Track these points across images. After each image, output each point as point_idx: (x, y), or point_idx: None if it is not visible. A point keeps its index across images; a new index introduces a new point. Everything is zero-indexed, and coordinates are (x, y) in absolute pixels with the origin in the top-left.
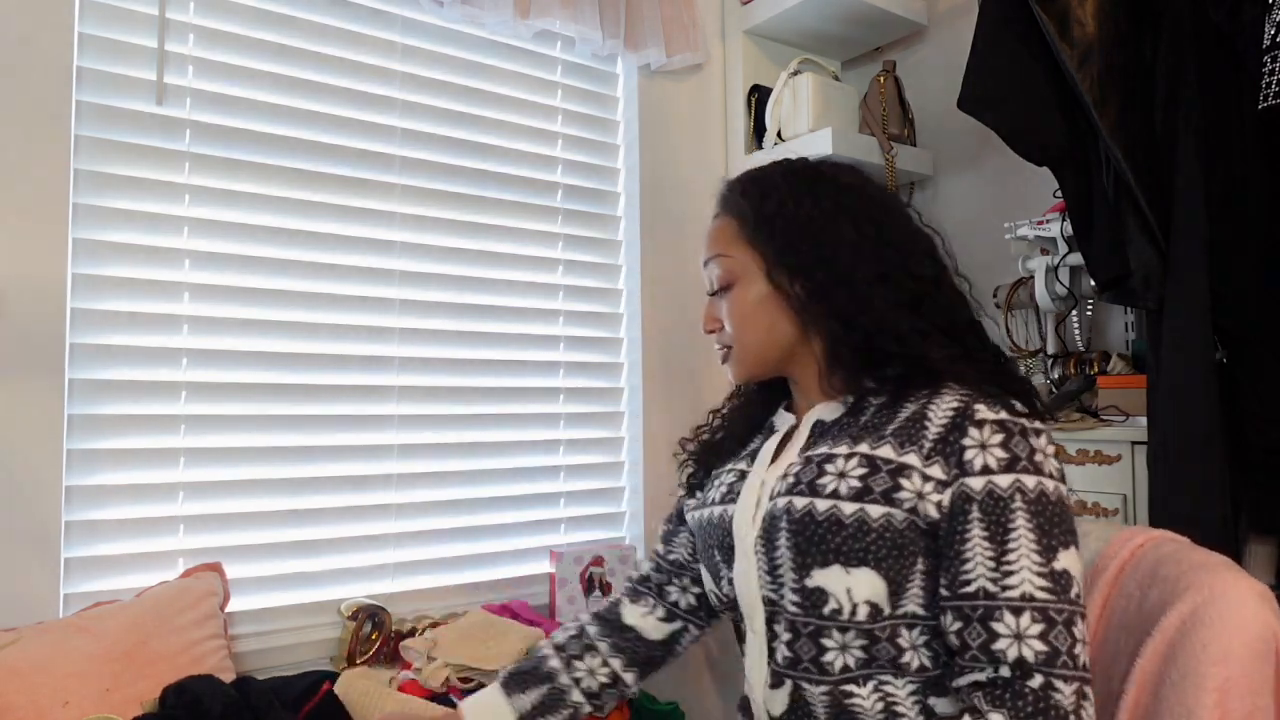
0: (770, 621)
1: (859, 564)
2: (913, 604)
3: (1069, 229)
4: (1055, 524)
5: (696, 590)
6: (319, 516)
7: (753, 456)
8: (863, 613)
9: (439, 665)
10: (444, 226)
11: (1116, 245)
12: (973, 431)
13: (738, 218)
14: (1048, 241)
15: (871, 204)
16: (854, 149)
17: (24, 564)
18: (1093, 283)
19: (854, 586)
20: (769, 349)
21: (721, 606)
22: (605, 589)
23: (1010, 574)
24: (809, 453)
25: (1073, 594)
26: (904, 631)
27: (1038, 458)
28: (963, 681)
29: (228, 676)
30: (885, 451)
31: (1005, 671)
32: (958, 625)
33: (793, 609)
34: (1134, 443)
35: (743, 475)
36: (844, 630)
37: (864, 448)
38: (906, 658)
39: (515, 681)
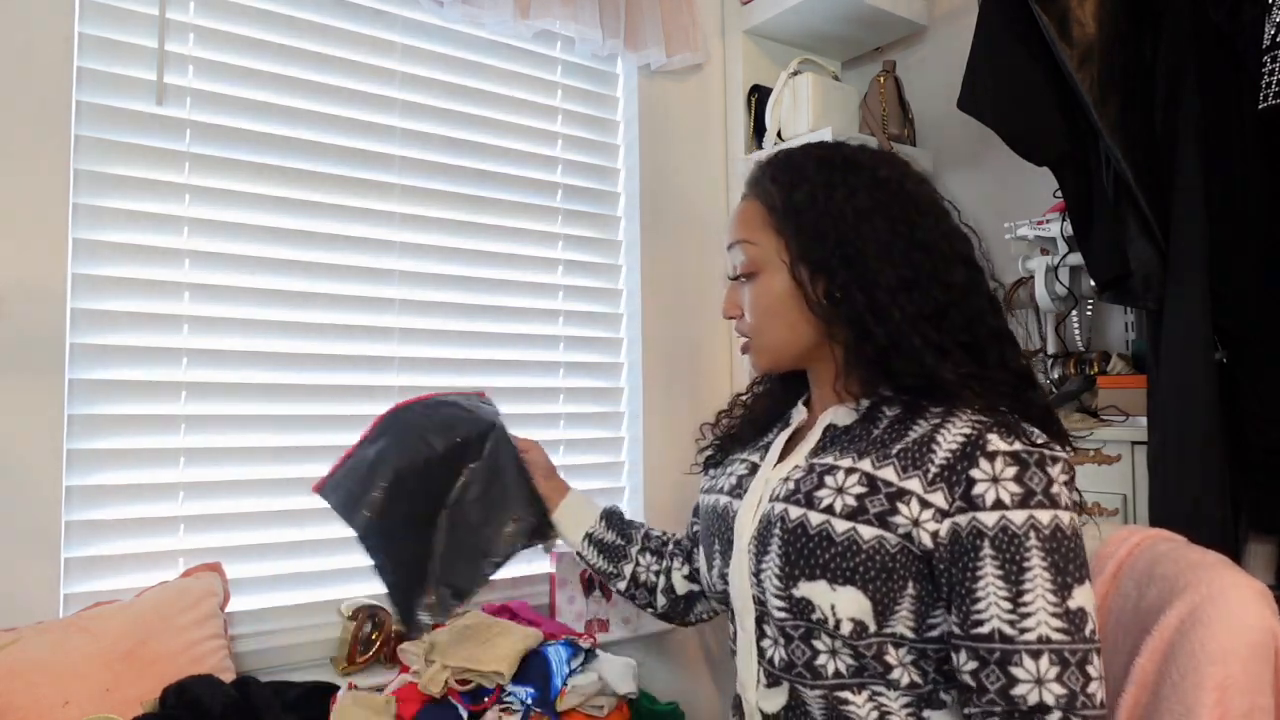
0: (760, 622)
1: (845, 582)
2: (901, 626)
3: (1069, 229)
4: (1070, 560)
5: None
6: (319, 516)
7: (767, 448)
8: (846, 628)
9: (438, 668)
10: (444, 226)
11: (1116, 245)
12: (984, 464)
13: (765, 203)
14: (1048, 241)
15: (908, 200)
16: None
17: (24, 564)
18: (1093, 283)
19: (838, 603)
20: (790, 345)
21: (714, 595)
22: (605, 589)
23: (1027, 615)
24: (814, 460)
25: (1087, 631)
26: (890, 649)
27: (1054, 490)
28: (976, 714)
29: (228, 676)
30: (887, 474)
31: (1023, 712)
32: (973, 666)
33: (779, 614)
34: (1134, 443)
35: (754, 469)
36: (832, 636)
37: (866, 465)
38: (895, 674)
39: (609, 516)
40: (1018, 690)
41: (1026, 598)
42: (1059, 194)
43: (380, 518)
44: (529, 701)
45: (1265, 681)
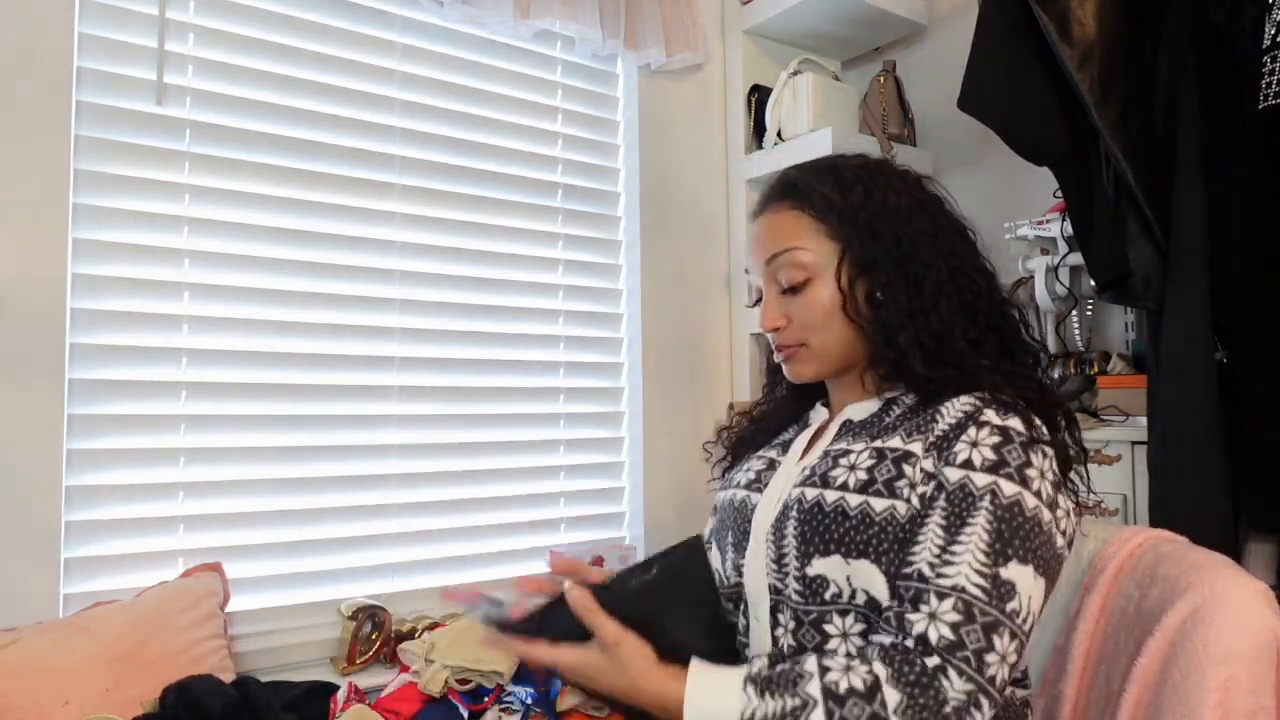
0: (774, 610)
1: (859, 555)
2: None
3: (1069, 229)
4: (1018, 536)
5: None
6: (319, 516)
7: (785, 446)
8: (861, 598)
9: (438, 668)
10: (444, 226)
11: (1116, 245)
12: (971, 430)
13: (816, 209)
14: (1048, 241)
15: (937, 200)
16: (854, 149)
17: (24, 564)
18: (1093, 283)
19: (853, 575)
20: (840, 353)
21: (724, 591)
22: None
23: (949, 564)
24: (831, 447)
25: (1009, 606)
26: None
27: (1029, 472)
28: (871, 639)
29: (228, 676)
30: (893, 442)
31: (908, 642)
32: (891, 601)
33: (796, 597)
34: (1134, 443)
35: (773, 464)
36: (844, 614)
37: (877, 442)
38: None
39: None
40: (911, 617)
41: (956, 548)
42: (1059, 194)
43: None
44: (529, 701)
45: (1268, 682)
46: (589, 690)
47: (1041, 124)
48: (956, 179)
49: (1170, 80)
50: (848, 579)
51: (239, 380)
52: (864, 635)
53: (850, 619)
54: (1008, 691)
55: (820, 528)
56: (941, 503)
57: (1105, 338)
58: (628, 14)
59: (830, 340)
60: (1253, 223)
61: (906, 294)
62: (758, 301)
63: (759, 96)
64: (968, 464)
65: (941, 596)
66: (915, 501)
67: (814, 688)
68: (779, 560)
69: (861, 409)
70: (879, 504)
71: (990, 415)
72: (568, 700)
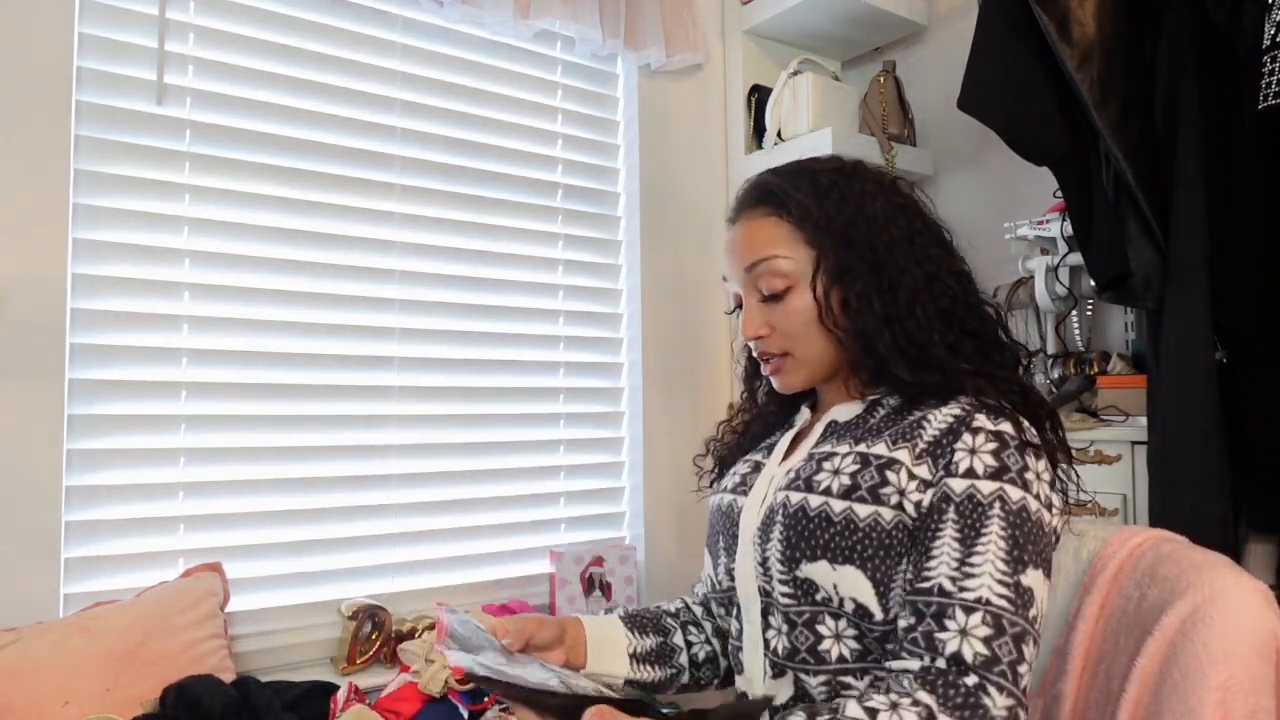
0: (765, 613)
1: (845, 561)
2: (897, 606)
3: (1069, 229)
4: (1029, 541)
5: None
6: (319, 516)
7: (770, 449)
8: (849, 607)
9: (438, 668)
10: (444, 226)
11: (1116, 245)
12: (966, 437)
13: (793, 216)
14: (1048, 241)
15: (913, 202)
16: (854, 149)
17: (24, 564)
18: (1093, 283)
19: (840, 583)
20: (823, 361)
21: (717, 595)
22: (605, 589)
23: (971, 576)
24: (815, 449)
25: (1031, 613)
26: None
27: (1028, 475)
28: (894, 666)
29: (228, 676)
30: (878, 449)
31: (941, 663)
32: (911, 620)
33: (785, 600)
34: (1134, 443)
35: (757, 467)
36: (836, 617)
37: (861, 447)
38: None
39: (634, 623)
40: (941, 636)
41: (976, 559)
42: (1059, 194)
43: None
44: None
45: (1268, 682)
46: None
47: (1041, 124)
48: (956, 179)
49: (1170, 80)
50: (834, 585)
51: (239, 380)
52: (857, 639)
53: (843, 622)
54: None
55: (805, 533)
56: (951, 514)
57: (1105, 338)
58: (628, 14)
59: (813, 349)
60: (1253, 223)
61: (882, 300)
62: (736, 309)
63: (759, 96)
64: (970, 472)
65: (969, 610)
66: (909, 509)
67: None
68: (765, 563)
69: (846, 410)
70: (863, 510)
71: (982, 420)
72: None
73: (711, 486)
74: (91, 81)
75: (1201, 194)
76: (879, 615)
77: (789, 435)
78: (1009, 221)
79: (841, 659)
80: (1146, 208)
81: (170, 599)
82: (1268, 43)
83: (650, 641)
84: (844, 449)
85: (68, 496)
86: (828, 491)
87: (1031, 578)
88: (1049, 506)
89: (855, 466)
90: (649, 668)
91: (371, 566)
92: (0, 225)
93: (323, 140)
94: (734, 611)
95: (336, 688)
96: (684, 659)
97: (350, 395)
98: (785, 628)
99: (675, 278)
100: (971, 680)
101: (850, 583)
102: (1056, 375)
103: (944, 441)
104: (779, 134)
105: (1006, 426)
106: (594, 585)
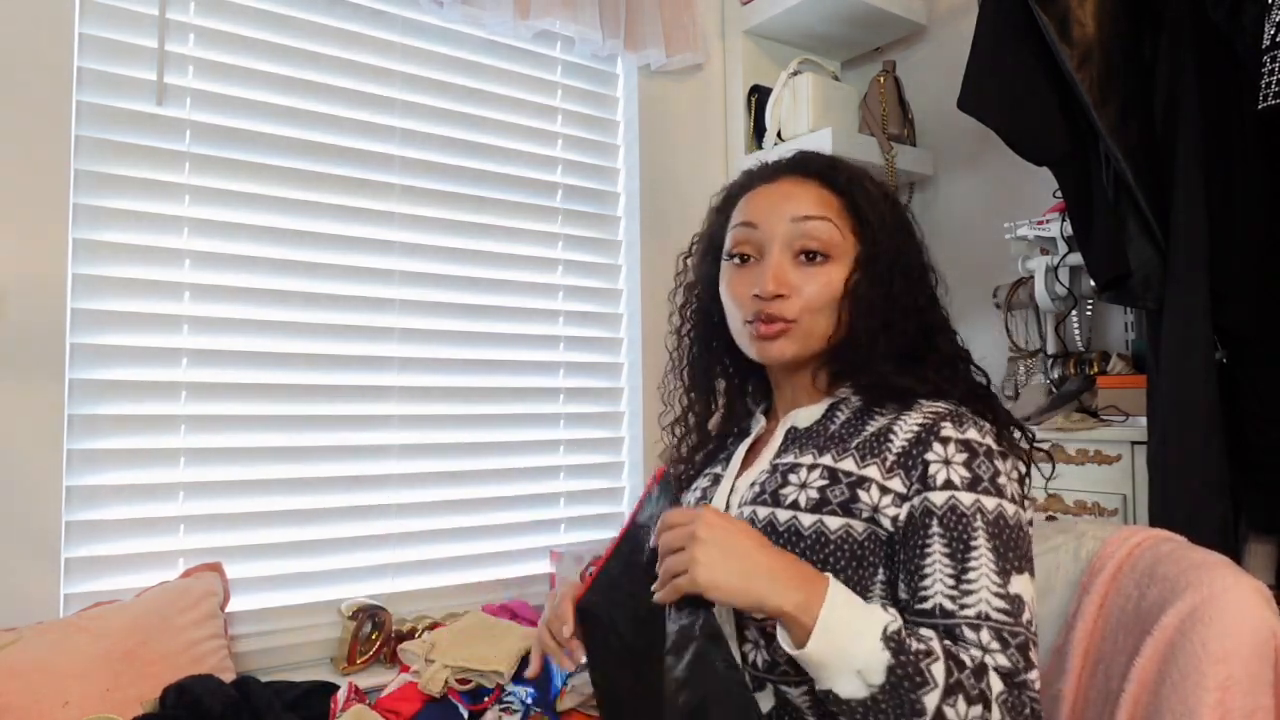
0: (741, 628)
1: None
2: None
3: (1069, 229)
4: (1011, 548)
5: None
6: (319, 516)
7: (727, 460)
8: None
9: (438, 668)
10: (444, 226)
11: (1116, 245)
12: (937, 447)
13: (842, 195)
14: (1048, 241)
15: (911, 219)
16: (854, 149)
17: (24, 564)
18: (1093, 283)
19: None
20: (823, 341)
21: None
22: None
23: (969, 592)
24: (777, 460)
25: (1024, 618)
26: None
27: (1000, 480)
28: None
29: (228, 676)
30: (847, 465)
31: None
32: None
33: (758, 615)
34: (1134, 443)
35: (717, 479)
36: None
37: (827, 460)
38: None
39: None
40: (964, 656)
41: (970, 574)
42: (1059, 194)
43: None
44: (529, 701)
45: (1266, 682)
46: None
47: (1041, 124)
48: (956, 179)
49: (1170, 80)
50: None
51: (239, 381)
52: None
53: None
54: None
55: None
56: (936, 529)
57: (1105, 338)
58: (628, 14)
59: (820, 326)
60: (1253, 223)
61: (883, 307)
62: (735, 258)
63: (759, 97)
64: (949, 484)
65: (974, 628)
66: (884, 523)
67: (937, 646)
68: None
69: (806, 415)
70: (834, 522)
71: (949, 429)
72: (568, 700)
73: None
74: (92, 81)
75: (1201, 194)
76: None
77: (745, 444)
78: (1009, 221)
79: None
80: (1146, 208)
81: (170, 599)
82: (1268, 43)
83: None
84: (808, 459)
85: (68, 496)
86: (795, 505)
87: (1018, 584)
88: (1021, 503)
89: (823, 481)
90: None
91: (371, 566)
92: (0, 225)
93: (323, 140)
94: None
95: (336, 688)
96: None
97: (350, 395)
98: (762, 641)
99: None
100: (1014, 688)
101: None
102: (1056, 375)
103: (913, 452)
104: (779, 134)
105: (973, 434)
106: None
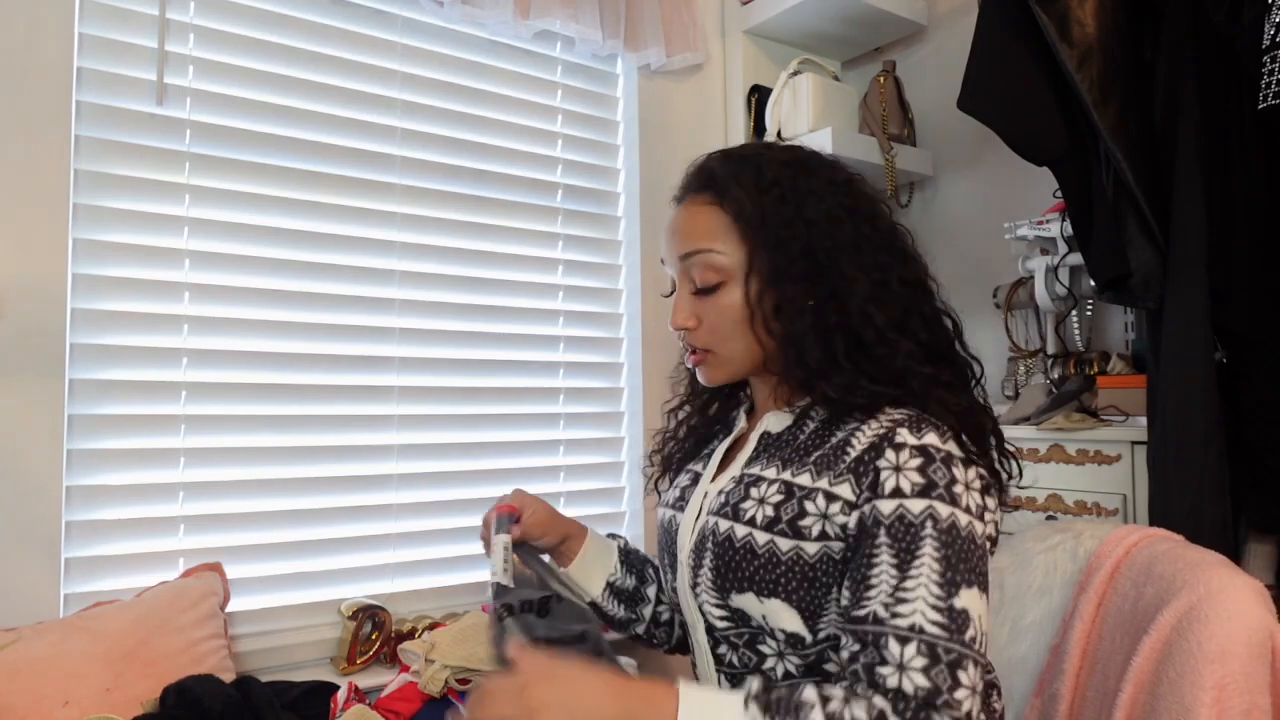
0: (709, 631)
1: (770, 594)
2: (833, 628)
3: (1069, 229)
4: (962, 560)
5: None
6: (319, 516)
7: (709, 458)
8: (781, 636)
9: (438, 668)
10: (444, 226)
11: (1116, 245)
12: (889, 454)
13: (731, 206)
14: (1048, 241)
15: (867, 202)
16: (854, 149)
17: (24, 564)
18: (1093, 283)
19: (768, 614)
20: (748, 359)
21: (674, 607)
22: None
23: (904, 601)
24: (747, 470)
25: (967, 635)
26: (831, 655)
27: (956, 489)
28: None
29: (228, 676)
30: (803, 479)
31: (880, 702)
32: (853, 649)
33: (721, 624)
34: (1134, 443)
35: (696, 479)
36: (774, 637)
37: (787, 474)
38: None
39: (625, 558)
40: (881, 671)
41: (909, 584)
42: (1059, 194)
43: None
44: None
45: (1263, 681)
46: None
47: (1041, 124)
48: (956, 179)
49: (1170, 80)
50: (764, 616)
51: (239, 381)
52: (800, 658)
53: (783, 643)
54: (986, 709)
55: (733, 564)
56: (884, 538)
57: (1105, 338)
58: (628, 14)
59: (737, 350)
60: (1253, 223)
61: (819, 309)
62: (674, 292)
63: (759, 97)
64: (898, 491)
65: (902, 640)
66: (832, 534)
67: (817, 715)
68: (696, 586)
69: (777, 420)
70: (784, 544)
71: (905, 435)
72: None
73: (658, 490)
74: (92, 82)
75: (1201, 194)
76: (809, 639)
77: (725, 444)
78: (1009, 221)
79: (789, 675)
80: (1146, 208)
81: (170, 599)
82: (1267, 43)
83: (630, 582)
84: (771, 473)
85: (68, 496)
86: (752, 522)
87: (966, 598)
88: (981, 515)
89: (779, 497)
90: (617, 603)
91: (371, 567)
92: (0, 225)
93: (323, 141)
94: (686, 626)
95: (336, 688)
96: (648, 611)
97: (350, 396)
98: (728, 647)
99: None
100: (917, 713)
101: (777, 614)
102: (1056, 375)
103: (866, 459)
104: (779, 134)
105: (931, 439)
106: None
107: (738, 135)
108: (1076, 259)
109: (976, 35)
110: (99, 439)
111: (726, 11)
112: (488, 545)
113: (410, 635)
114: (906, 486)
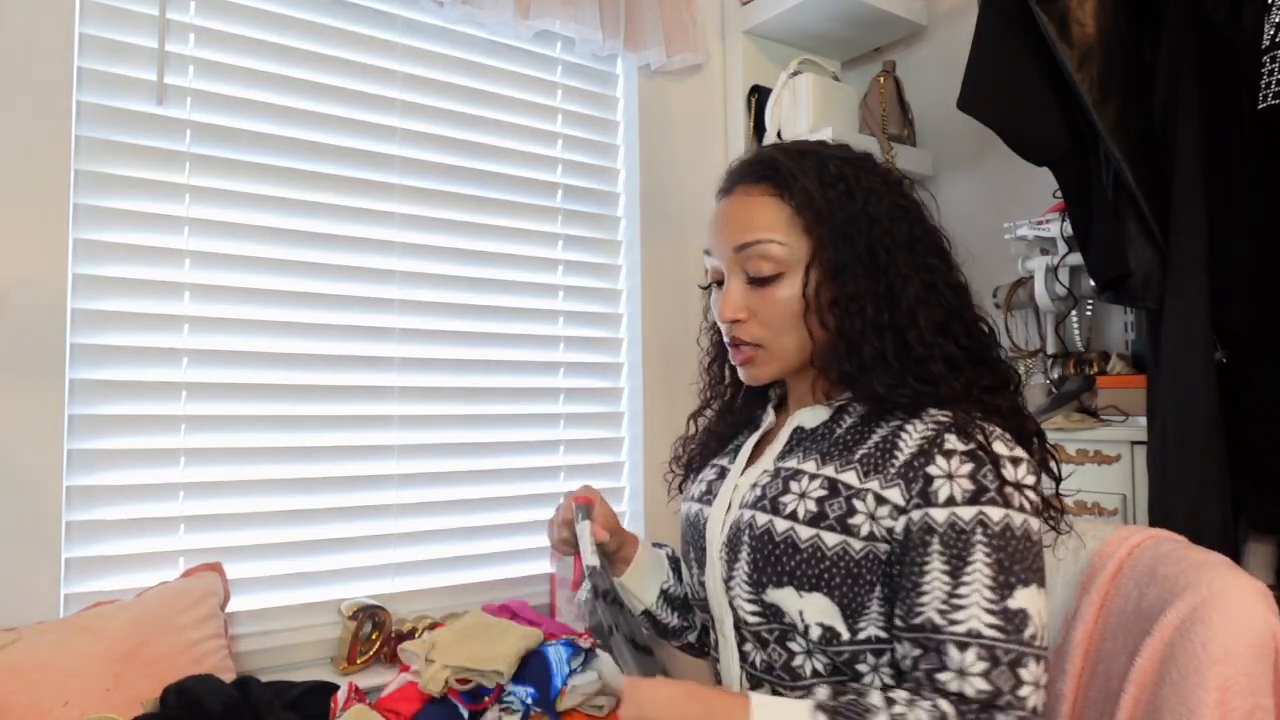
0: (738, 627)
1: (812, 589)
2: (873, 627)
3: (1069, 229)
4: (1016, 560)
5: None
6: (319, 516)
7: (736, 451)
8: (815, 633)
9: (438, 667)
10: (444, 227)
11: (1116, 245)
12: (940, 460)
13: (796, 197)
14: (1048, 241)
15: (916, 206)
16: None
17: (24, 564)
18: (1093, 283)
19: (806, 609)
20: (799, 355)
21: (697, 603)
22: None
23: (959, 608)
24: (780, 463)
25: (1026, 634)
26: (864, 658)
27: (1007, 490)
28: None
29: (228, 676)
30: (849, 477)
31: (944, 705)
32: (916, 653)
33: (753, 620)
34: (1134, 443)
35: (723, 473)
36: (805, 635)
37: (830, 470)
38: (867, 679)
39: (676, 565)
40: (941, 677)
41: (962, 590)
42: (1059, 194)
43: None
44: (529, 701)
45: (1266, 682)
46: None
47: (1041, 124)
48: (956, 179)
49: (1169, 80)
50: (800, 612)
51: (239, 381)
52: (829, 657)
53: (812, 642)
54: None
55: (772, 558)
56: (936, 546)
57: (1105, 338)
58: (628, 14)
59: (790, 344)
60: (1253, 223)
61: (875, 306)
62: (713, 285)
63: (759, 97)
64: (950, 500)
65: (962, 646)
66: (879, 535)
67: (875, 696)
68: (730, 582)
69: (813, 415)
70: (831, 539)
71: (954, 442)
72: (568, 700)
73: (681, 492)
74: (92, 82)
75: (1201, 194)
76: (847, 636)
77: (754, 438)
78: (1009, 221)
79: (816, 673)
80: (1146, 208)
81: (170, 599)
82: (1267, 43)
83: (682, 590)
84: (810, 467)
85: (68, 496)
86: (793, 516)
87: (1021, 598)
88: (1036, 512)
89: (822, 492)
90: (670, 610)
91: (371, 566)
92: (1, 225)
93: (323, 141)
94: (712, 621)
95: (337, 688)
96: (700, 619)
97: (350, 395)
98: (758, 644)
99: (675, 278)
100: (979, 715)
101: (816, 608)
102: (1056, 375)
103: (915, 464)
104: (779, 134)
105: (979, 442)
106: None
107: (737, 135)
108: (1076, 259)
109: (976, 35)
110: (99, 439)
111: (726, 11)
112: (554, 540)
113: (410, 635)
114: (959, 494)
